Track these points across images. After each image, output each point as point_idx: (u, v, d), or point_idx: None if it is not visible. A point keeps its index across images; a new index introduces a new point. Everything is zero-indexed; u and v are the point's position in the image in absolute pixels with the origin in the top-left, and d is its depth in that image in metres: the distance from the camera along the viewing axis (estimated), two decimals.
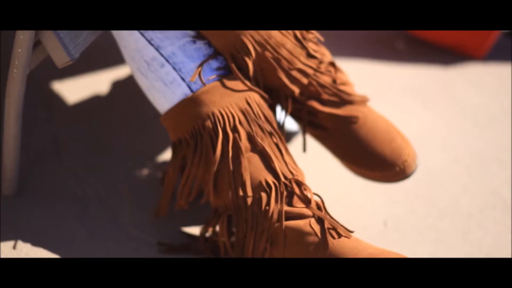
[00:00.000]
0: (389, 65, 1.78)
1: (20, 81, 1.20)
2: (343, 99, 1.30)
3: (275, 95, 1.29)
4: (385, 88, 1.72)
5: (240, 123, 1.21)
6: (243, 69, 1.24)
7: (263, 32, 1.22)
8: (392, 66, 1.78)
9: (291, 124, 1.52)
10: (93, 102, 1.57)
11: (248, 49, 1.22)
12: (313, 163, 1.48)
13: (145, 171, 1.43)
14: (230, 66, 1.23)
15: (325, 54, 1.30)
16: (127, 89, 1.60)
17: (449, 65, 1.79)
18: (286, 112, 1.29)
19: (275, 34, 1.23)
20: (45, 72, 1.56)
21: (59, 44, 1.18)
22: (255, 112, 1.23)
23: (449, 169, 1.53)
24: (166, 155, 1.47)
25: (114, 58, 1.64)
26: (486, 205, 1.46)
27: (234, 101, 1.22)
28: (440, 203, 1.46)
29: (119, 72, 1.64)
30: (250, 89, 1.23)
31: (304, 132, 1.32)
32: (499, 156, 1.57)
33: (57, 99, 1.56)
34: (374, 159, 1.29)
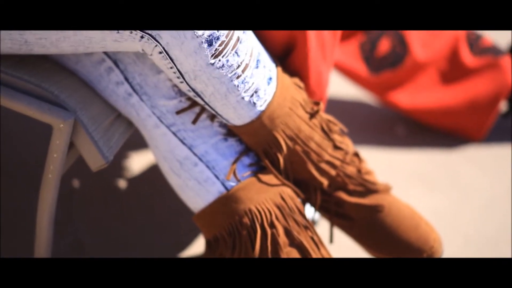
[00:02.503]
0: (391, 151, 1.81)
1: (54, 186, 1.19)
2: (368, 189, 1.31)
3: (303, 187, 1.30)
4: (388, 175, 1.74)
5: (277, 218, 1.22)
6: (274, 164, 1.25)
7: (293, 126, 1.24)
8: (393, 152, 1.81)
9: (310, 213, 1.52)
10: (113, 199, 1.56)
11: (280, 144, 1.24)
12: (340, 254, 1.48)
13: None
14: (263, 162, 1.24)
15: (349, 145, 1.32)
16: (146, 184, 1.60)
17: (450, 148, 1.83)
18: (315, 204, 1.30)
19: (304, 128, 1.25)
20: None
21: (93, 148, 1.18)
22: (290, 207, 1.24)
23: (461, 251, 1.55)
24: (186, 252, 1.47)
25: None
26: None
27: (269, 196, 1.23)
28: None
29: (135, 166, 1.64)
30: (283, 184, 1.25)
31: (331, 223, 1.33)
32: (508, 236, 1.59)
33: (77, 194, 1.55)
34: (401, 247, 1.30)
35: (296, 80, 1.27)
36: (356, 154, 1.33)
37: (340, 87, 1.93)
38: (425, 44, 1.79)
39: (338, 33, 1.32)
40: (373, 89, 1.81)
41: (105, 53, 1.22)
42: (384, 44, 1.77)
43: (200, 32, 1.11)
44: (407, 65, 1.78)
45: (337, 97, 1.94)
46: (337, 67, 1.78)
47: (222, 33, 1.13)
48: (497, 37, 2.13)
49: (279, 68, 1.24)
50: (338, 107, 1.90)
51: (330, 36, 1.30)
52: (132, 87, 1.23)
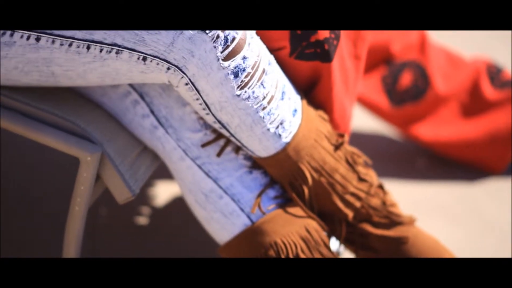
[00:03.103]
0: (411, 183, 1.81)
1: (81, 218, 1.20)
2: (393, 221, 1.31)
3: (328, 219, 1.30)
4: (409, 208, 1.73)
5: (302, 251, 1.22)
6: (300, 196, 1.25)
7: (318, 158, 1.24)
8: (414, 184, 1.81)
9: (335, 245, 1.52)
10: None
11: (306, 176, 1.24)
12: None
13: None
14: (289, 194, 1.24)
15: (373, 177, 1.32)
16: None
17: (471, 181, 1.82)
18: (340, 236, 1.30)
19: (329, 160, 1.25)
20: None
21: (120, 181, 1.18)
22: (315, 239, 1.23)
23: None
24: None
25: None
26: None
27: (294, 229, 1.23)
28: None
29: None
30: (308, 216, 1.25)
31: (356, 255, 1.33)
32: None
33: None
34: None
35: (321, 112, 1.27)
36: (381, 186, 1.33)
37: (360, 120, 1.94)
38: (446, 76, 1.79)
39: (361, 67, 1.32)
40: (395, 122, 1.81)
41: (131, 85, 1.23)
42: (406, 78, 1.77)
43: (226, 64, 1.12)
44: (429, 98, 1.78)
45: (358, 129, 1.94)
46: (359, 100, 1.78)
47: (248, 65, 1.14)
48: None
49: (304, 100, 1.24)
50: (359, 139, 1.90)
51: (353, 70, 1.31)
52: (158, 120, 1.24)
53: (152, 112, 1.24)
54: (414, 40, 1.76)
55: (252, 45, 1.15)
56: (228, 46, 1.12)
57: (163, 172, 1.56)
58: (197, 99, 1.16)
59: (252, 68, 1.14)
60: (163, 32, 1.10)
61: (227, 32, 1.12)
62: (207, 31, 1.11)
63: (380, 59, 1.74)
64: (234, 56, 1.13)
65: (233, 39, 1.12)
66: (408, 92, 1.78)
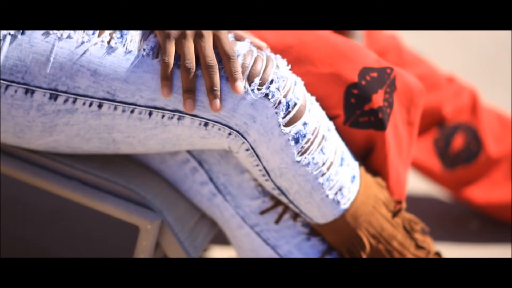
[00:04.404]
0: (464, 246, 1.79)
1: None
2: None
3: None
4: None
5: None
6: None
7: (376, 225, 1.23)
8: (467, 247, 1.79)
9: None
10: None
11: (364, 243, 1.23)
12: None
13: None
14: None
15: (431, 244, 1.31)
16: None
17: None
18: None
19: (387, 227, 1.24)
20: None
21: (179, 248, 1.19)
22: None
23: None
24: None
25: None
26: None
27: None
28: None
29: None
30: None
31: None
32: None
33: None
34: None
35: (378, 179, 1.26)
36: (438, 253, 1.31)
37: (413, 182, 1.92)
38: (498, 139, 1.78)
39: (415, 133, 1.32)
40: (447, 185, 1.80)
41: (190, 153, 1.24)
42: (458, 140, 1.77)
43: (287, 129, 1.13)
44: (481, 161, 1.77)
45: (410, 192, 1.93)
46: (411, 162, 1.77)
47: (309, 131, 1.14)
48: None
49: (362, 167, 1.24)
50: (411, 202, 1.88)
51: (407, 136, 1.31)
52: (216, 187, 1.24)
53: (210, 179, 1.24)
54: (465, 102, 1.75)
55: (312, 111, 1.15)
56: (289, 112, 1.13)
57: (221, 239, 1.55)
58: (257, 165, 1.17)
59: (312, 134, 1.15)
60: (227, 98, 1.11)
61: (289, 97, 1.12)
62: (269, 97, 1.11)
63: (431, 122, 1.74)
64: (295, 122, 1.13)
65: (295, 104, 1.13)
66: (460, 155, 1.77)
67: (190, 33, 1.10)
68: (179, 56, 1.11)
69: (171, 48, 1.10)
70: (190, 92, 1.10)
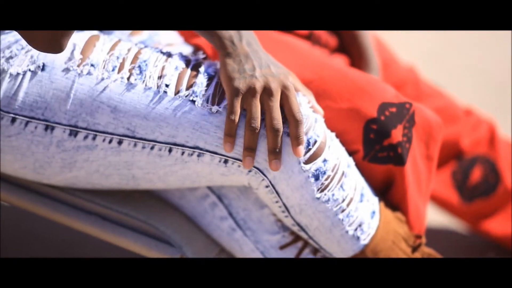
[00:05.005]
0: None
1: None
2: None
3: None
4: None
5: None
6: None
7: None
8: None
9: None
10: None
11: None
12: None
13: None
14: None
15: None
16: None
17: None
18: None
19: None
20: None
21: None
22: None
23: None
24: None
25: None
26: None
27: None
28: None
29: None
30: None
31: None
32: None
33: None
34: None
35: (398, 214, 1.26)
36: None
37: (430, 214, 1.91)
38: None
39: (434, 167, 1.31)
40: (465, 217, 1.79)
41: (209, 188, 1.24)
42: (476, 173, 1.76)
43: (307, 167, 1.12)
44: (499, 193, 1.76)
45: (428, 224, 1.92)
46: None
47: (328, 167, 1.14)
48: None
49: (382, 202, 1.24)
50: (428, 234, 1.87)
51: (425, 171, 1.30)
52: (236, 222, 1.24)
53: (230, 214, 1.24)
54: (483, 135, 1.75)
55: (332, 148, 1.15)
56: (310, 149, 1.13)
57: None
58: (277, 201, 1.16)
59: (332, 171, 1.15)
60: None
61: (309, 135, 1.12)
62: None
63: (449, 155, 1.73)
64: (316, 158, 1.13)
65: (315, 142, 1.13)
66: (478, 188, 1.76)
67: (259, 89, 1.10)
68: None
69: (238, 106, 1.10)
70: (251, 150, 1.11)
